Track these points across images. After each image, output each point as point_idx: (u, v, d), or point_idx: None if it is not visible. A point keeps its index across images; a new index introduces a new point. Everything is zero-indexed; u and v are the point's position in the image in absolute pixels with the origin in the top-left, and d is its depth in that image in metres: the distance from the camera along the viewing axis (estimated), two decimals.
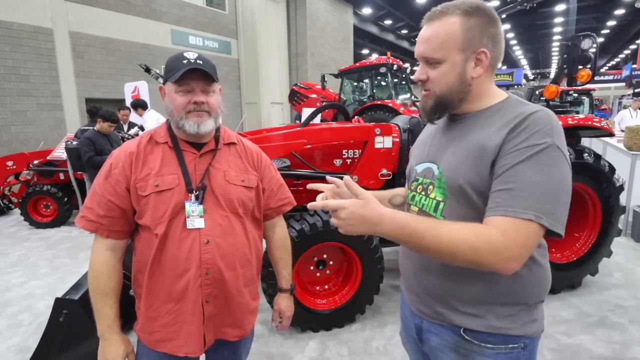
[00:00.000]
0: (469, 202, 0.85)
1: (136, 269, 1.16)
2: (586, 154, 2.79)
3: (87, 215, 1.09)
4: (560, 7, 17.93)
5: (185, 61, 1.07)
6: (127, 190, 1.08)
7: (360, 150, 2.61)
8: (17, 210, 5.62)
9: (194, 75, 1.07)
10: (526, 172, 0.75)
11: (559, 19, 20.61)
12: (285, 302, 1.41)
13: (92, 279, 1.09)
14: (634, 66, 18.46)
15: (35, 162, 5.33)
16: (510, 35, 24.93)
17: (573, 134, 2.98)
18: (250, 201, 1.20)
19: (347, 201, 0.79)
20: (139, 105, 5.79)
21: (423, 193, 0.97)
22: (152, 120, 5.50)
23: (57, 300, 2.03)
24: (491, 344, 0.88)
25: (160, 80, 1.67)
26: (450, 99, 0.89)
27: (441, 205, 0.90)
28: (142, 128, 5.76)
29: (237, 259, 1.15)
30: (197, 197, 1.09)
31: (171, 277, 1.09)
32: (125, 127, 5.96)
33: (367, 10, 20.06)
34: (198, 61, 1.08)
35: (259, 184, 1.23)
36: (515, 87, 24.08)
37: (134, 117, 6.03)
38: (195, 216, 1.08)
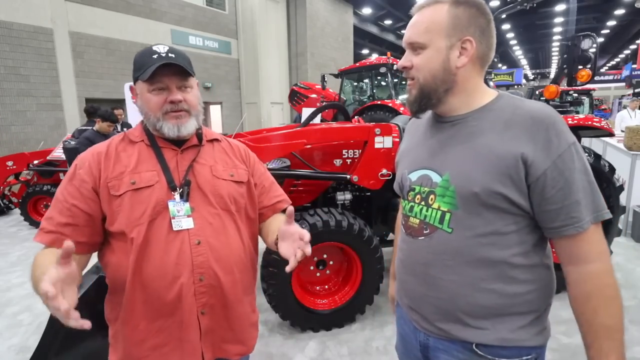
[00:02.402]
0: (482, 211, 0.81)
1: (110, 290, 1.00)
2: (586, 154, 2.79)
3: (46, 227, 0.92)
4: (560, 7, 17.92)
5: (155, 56, 0.96)
6: (94, 192, 0.95)
7: (360, 150, 2.61)
8: (17, 210, 5.62)
9: (167, 71, 0.96)
10: (580, 179, 0.78)
11: (559, 19, 20.60)
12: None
13: (32, 276, 0.85)
14: (634, 66, 18.45)
15: (35, 162, 5.33)
16: (510, 35, 24.91)
17: (573, 134, 2.97)
18: (242, 197, 1.08)
19: None
20: None
21: (423, 203, 0.90)
22: None
23: None
24: (505, 358, 0.84)
25: None
26: (434, 89, 0.86)
27: (447, 216, 0.85)
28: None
29: (233, 262, 1.02)
30: (181, 195, 0.98)
31: (159, 288, 0.94)
32: (119, 127, 5.92)
33: (367, 10, 20.06)
34: (170, 55, 0.97)
35: (249, 179, 1.12)
36: (515, 87, 24.07)
37: (136, 117, 6.00)
38: (181, 216, 0.96)
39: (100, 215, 0.96)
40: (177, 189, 0.98)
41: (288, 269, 0.86)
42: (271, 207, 1.18)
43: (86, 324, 0.69)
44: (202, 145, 1.08)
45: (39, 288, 0.70)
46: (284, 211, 1.20)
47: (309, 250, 0.85)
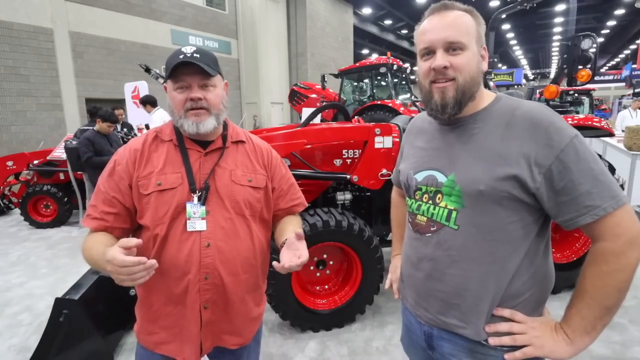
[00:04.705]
0: (487, 208, 0.84)
1: None
2: None
3: (92, 213, 1.06)
4: (560, 7, 17.93)
5: (181, 56, 1.03)
6: (129, 188, 1.06)
7: (360, 150, 2.61)
8: (17, 210, 5.62)
9: (189, 70, 1.02)
10: (588, 168, 0.78)
11: (559, 19, 20.61)
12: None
13: (86, 256, 1.03)
14: (634, 66, 18.45)
15: (35, 162, 5.33)
16: (510, 35, 24.92)
17: None
18: (258, 202, 1.15)
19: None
20: (149, 102, 5.56)
21: (430, 202, 0.94)
22: (159, 120, 5.34)
23: (57, 300, 2.03)
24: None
25: (161, 80, 1.65)
26: (471, 91, 0.87)
27: (454, 214, 0.89)
28: (147, 127, 5.66)
29: (239, 264, 1.10)
30: (199, 198, 1.05)
31: (170, 279, 1.05)
32: (119, 127, 5.88)
33: (367, 10, 20.07)
34: (195, 55, 1.03)
35: (267, 184, 1.18)
36: (515, 87, 24.07)
37: (141, 114, 5.93)
38: (196, 218, 1.04)
39: (134, 208, 1.07)
40: (197, 192, 1.05)
41: (275, 264, 0.98)
42: (286, 210, 1.27)
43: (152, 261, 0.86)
44: (227, 147, 1.14)
45: (106, 261, 0.87)
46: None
47: (296, 266, 0.97)
